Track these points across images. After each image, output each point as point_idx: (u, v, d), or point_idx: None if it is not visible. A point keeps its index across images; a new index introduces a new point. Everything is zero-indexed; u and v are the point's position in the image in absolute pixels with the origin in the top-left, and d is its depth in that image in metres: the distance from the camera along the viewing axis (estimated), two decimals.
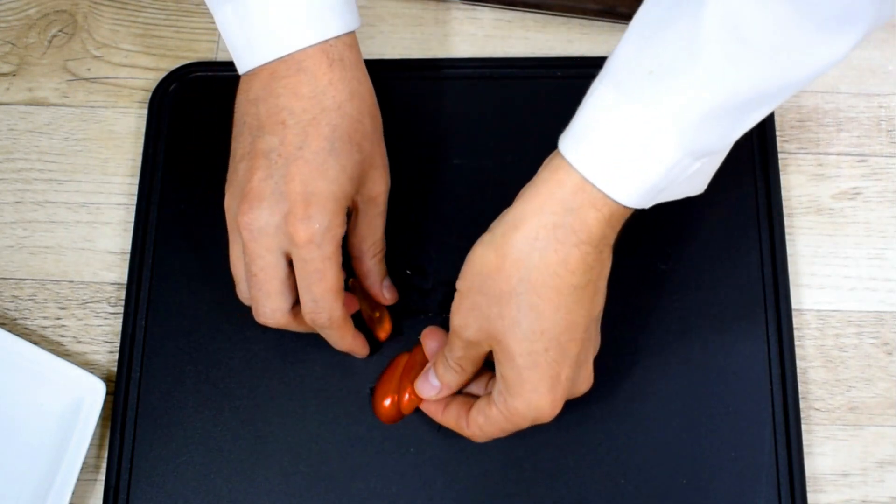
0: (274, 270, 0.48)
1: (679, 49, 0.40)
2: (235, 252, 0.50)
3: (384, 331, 0.54)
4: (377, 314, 0.54)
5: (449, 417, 0.49)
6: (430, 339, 0.51)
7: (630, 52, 0.42)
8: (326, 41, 0.48)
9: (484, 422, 0.47)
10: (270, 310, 0.49)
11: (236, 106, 0.50)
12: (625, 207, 0.43)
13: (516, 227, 0.43)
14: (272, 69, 0.48)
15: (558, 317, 0.43)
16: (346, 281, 0.50)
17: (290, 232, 0.46)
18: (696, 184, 0.47)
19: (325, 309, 0.48)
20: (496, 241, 0.44)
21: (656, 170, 0.42)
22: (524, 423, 0.46)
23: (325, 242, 0.46)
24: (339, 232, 0.47)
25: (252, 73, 0.49)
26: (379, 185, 0.50)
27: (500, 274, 0.44)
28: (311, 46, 0.47)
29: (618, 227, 0.45)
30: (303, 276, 0.47)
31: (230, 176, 0.49)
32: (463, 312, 0.46)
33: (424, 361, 0.52)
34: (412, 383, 0.51)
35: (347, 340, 0.51)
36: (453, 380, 0.49)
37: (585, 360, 0.47)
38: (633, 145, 0.41)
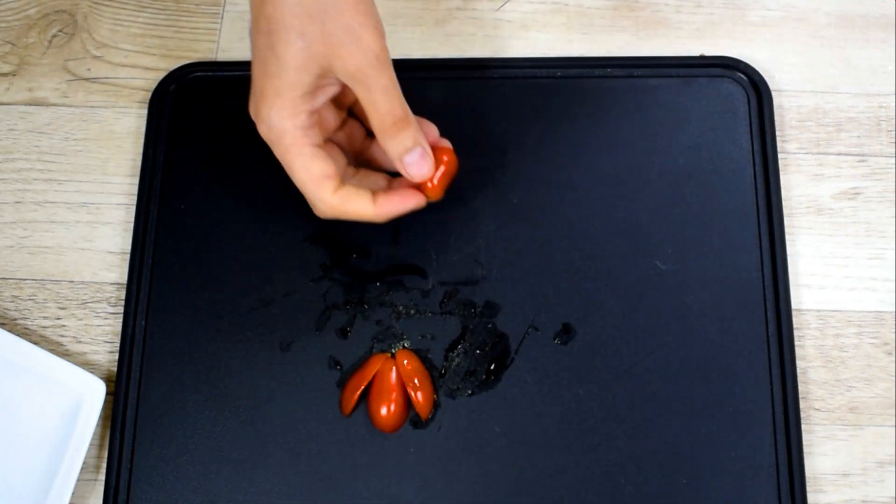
0: None
1: None
2: None
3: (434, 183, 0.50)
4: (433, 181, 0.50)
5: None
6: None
7: None
8: None
9: None
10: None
11: None
12: None
13: None
14: None
15: None
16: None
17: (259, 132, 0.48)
18: None
19: (314, 201, 0.48)
20: None
21: None
22: None
23: (278, 137, 0.47)
24: (289, 124, 0.46)
25: None
26: (352, 61, 0.46)
27: None
28: None
29: None
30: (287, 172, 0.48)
31: None
32: None
33: (417, 366, 0.53)
34: (418, 384, 0.52)
35: (369, 214, 0.49)
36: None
37: None
38: None
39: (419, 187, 0.51)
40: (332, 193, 0.47)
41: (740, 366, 0.53)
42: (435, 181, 0.50)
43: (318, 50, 0.45)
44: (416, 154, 0.49)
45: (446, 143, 0.52)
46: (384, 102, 0.47)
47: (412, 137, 0.48)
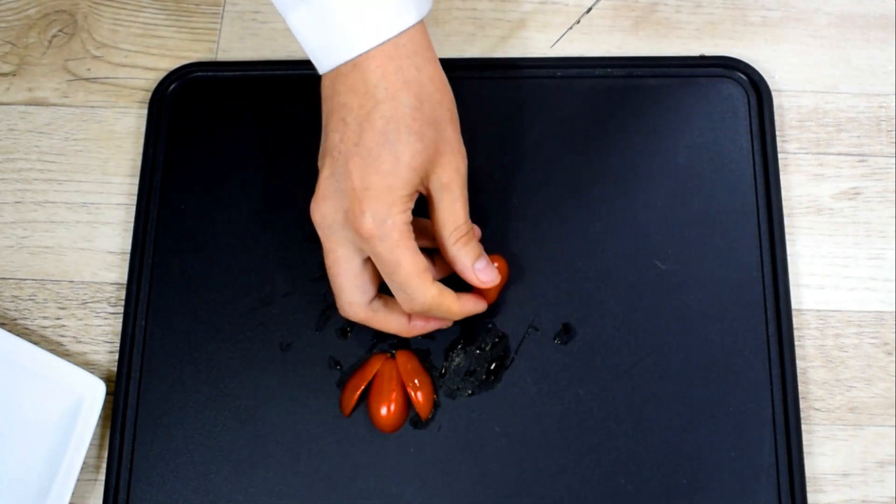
0: (347, 264, 0.49)
1: None
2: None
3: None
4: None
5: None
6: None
7: None
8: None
9: None
10: (347, 303, 0.50)
11: None
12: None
13: None
14: (338, 68, 0.48)
15: None
16: None
17: (353, 228, 0.47)
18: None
19: (414, 295, 0.48)
20: None
21: None
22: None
23: (387, 233, 0.47)
24: (399, 220, 0.47)
25: (325, 73, 0.49)
26: (448, 172, 0.49)
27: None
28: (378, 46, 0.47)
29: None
30: (381, 269, 0.48)
31: None
32: None
33: (417, 366, 0.53)
34: (418, 384, 0.52)
35: (455, 311, 0.51)
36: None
37: None
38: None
39: (479, 293, 0.53)
40: (431, 285, 0.49)
41: (740, 366, 0.53)
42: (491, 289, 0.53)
43: (429, 155, 0.48)
44: (484, 262, 0.51)
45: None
46: (462, 213, 0.50)
47: (479, 247, 0.52)
